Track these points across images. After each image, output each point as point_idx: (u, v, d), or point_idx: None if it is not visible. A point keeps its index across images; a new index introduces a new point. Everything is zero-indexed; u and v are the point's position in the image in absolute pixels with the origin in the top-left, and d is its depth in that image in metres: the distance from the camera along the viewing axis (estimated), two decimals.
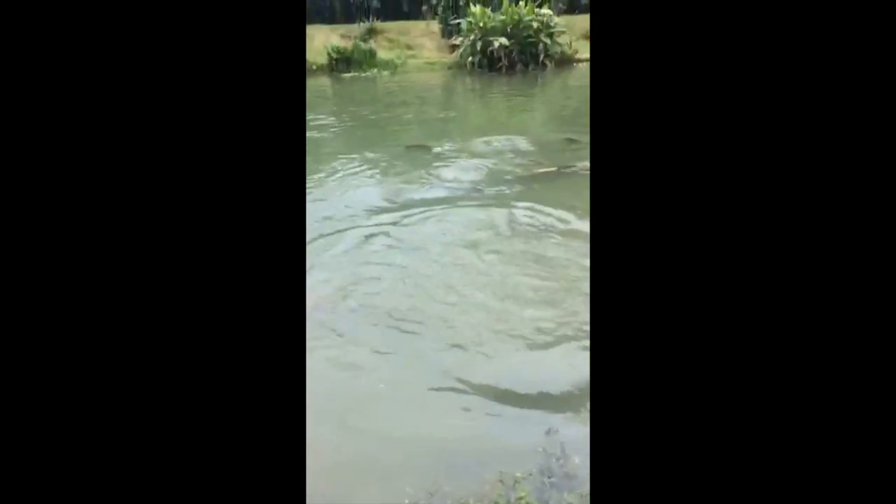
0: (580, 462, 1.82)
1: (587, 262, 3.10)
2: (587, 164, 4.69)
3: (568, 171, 4.71)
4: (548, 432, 1.98)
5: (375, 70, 11.85)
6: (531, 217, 3.81)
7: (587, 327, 2.51)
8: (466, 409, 2.11)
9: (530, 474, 1.78)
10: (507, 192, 4.39)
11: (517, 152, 5.48)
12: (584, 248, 3.24)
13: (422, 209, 4.09)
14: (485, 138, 6.06)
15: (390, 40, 13.01)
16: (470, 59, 11.43)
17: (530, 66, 11.31)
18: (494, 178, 4.75)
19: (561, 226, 3.62)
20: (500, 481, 1.76)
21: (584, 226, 3.53)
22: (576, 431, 1.97)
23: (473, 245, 3.43)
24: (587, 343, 2.39)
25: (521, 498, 1.71)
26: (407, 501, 1.71)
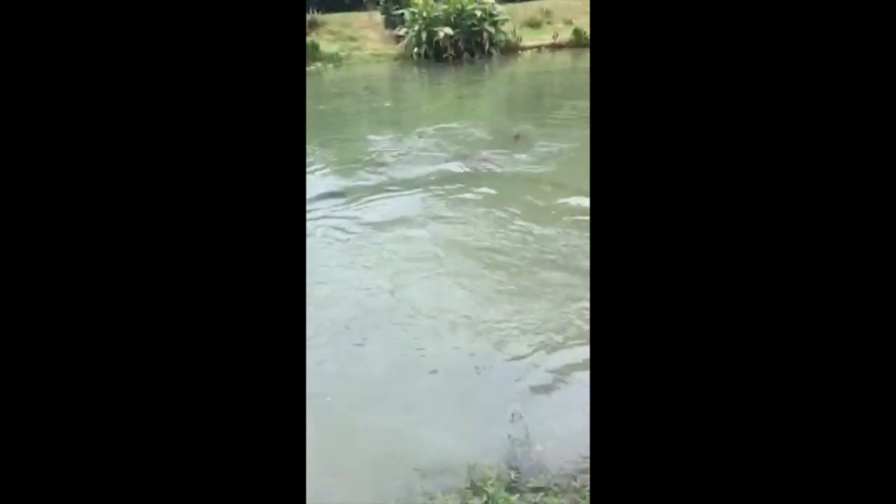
0: (543, 448, 1.83)
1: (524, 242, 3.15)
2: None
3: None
4: (512, 418, 1.98)
5: (319, 63, 11.55)
6: (480, 202, 3.81)
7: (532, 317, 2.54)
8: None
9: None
10: (457, 180, 4.38)
11: (467, 142, 5.47)
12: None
13: (368, 199, 4.08)
14: (434, 127, 6.02)
15: (332, 33, 12.71)
16: (416, 49, 11.32)
17: (476, 56, 11.31)
18: (443, 165, 4.74)
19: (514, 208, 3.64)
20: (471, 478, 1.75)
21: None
22: (540, 416, 1.98)
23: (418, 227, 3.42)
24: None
25: (487, 479, 1.70)
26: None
